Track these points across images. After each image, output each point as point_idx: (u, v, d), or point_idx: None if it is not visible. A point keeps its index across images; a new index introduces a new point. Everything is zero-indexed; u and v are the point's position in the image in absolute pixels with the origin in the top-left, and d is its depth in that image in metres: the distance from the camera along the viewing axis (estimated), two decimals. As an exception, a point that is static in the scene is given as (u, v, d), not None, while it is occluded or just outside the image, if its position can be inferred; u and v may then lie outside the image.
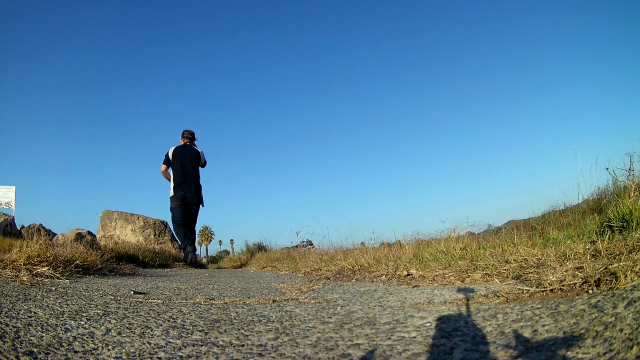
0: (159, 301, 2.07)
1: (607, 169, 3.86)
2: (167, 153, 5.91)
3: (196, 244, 6.05)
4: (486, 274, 2.39)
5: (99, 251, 4.24)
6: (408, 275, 2.93)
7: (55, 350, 1.06)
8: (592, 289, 1.46)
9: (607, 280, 1.47)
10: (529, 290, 1.67)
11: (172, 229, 6.36)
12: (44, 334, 1.22)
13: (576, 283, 1.56)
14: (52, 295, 1.99)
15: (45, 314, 1.51)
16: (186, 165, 5.76)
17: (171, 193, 5.78)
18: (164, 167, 5.92)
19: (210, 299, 2.21)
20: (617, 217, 2.77)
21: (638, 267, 1.50)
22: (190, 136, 6.03)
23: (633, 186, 3.15)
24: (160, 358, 1.04)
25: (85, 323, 1.41)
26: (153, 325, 1.43)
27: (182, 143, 5.99)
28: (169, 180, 5.88)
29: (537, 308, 1.38)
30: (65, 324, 1.37)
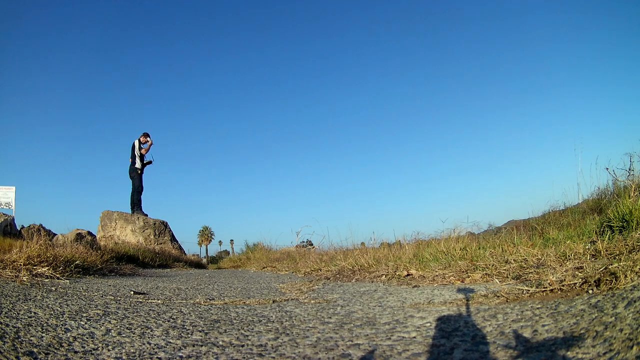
0: (159, 301, 2.07)
1: (607, 169, 3.87)
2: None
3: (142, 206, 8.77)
4: (486, 274, 2.39)
5: (99, 251, 4.24)
6: (408, 275, 2.93)
7: (55, 351, 1.06)
8: (592, 289, 1.46)
9: (607, 280, 1.47)
10: (529, 290, 1.67)
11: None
12: (44, 334, 1.22)
13: (576, 283, 1.56)
14: (52, 296, 1.99)
15: (45, 314, 1.51)
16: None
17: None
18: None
19: (210, 299, 2.21)
20: (617, 217, 2.77)
21: (638, 267, 1.50)
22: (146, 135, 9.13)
23: (633, 186, 3.16)
24: (160, 358, 1.04)
25: (85, 323, 1.41)
26: (153, 326, 1.43)
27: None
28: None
29: (537, 308, 1.38)
30: (65, 324, 1.37)
